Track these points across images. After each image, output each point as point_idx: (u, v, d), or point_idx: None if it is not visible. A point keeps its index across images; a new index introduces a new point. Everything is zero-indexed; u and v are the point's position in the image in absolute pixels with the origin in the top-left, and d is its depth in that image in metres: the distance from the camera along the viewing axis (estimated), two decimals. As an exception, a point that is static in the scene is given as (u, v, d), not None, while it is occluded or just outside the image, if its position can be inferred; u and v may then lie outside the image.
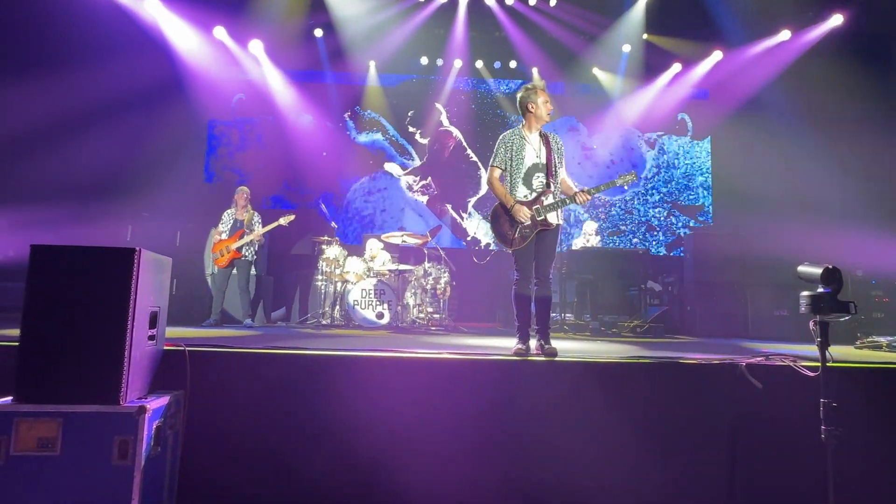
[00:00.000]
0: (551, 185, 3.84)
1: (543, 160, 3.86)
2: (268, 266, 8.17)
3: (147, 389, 2.84)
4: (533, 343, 3.85)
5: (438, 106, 10.49)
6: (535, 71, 10.38)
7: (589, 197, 3.83)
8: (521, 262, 3.88)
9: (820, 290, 2.79)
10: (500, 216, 3.89)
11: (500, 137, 3.95)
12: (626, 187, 3.89)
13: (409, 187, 10.30)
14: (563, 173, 3.95)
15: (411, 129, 10.44)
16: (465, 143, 10.46)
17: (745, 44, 9.28)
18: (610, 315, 7.16)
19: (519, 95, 3.95)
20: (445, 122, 10.53)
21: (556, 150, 3.90)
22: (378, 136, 10.41)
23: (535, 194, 3.84)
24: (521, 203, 3.81)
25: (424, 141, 10.46)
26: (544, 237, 3.87)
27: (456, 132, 10.47)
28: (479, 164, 10.43)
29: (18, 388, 2.50)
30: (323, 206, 8.35)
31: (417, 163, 10.40)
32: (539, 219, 3.79)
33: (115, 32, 8.14)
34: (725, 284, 7.21)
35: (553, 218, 3.83)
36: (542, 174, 3.84)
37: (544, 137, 3.91)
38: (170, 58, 8.93)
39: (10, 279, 6.02)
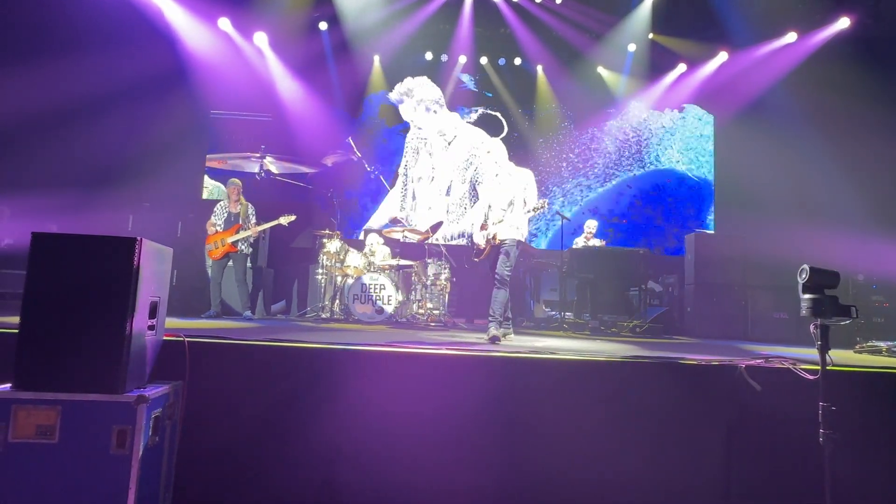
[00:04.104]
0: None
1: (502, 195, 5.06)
2: (268, 258, 8.18)
3: (146, 379, 2.84)
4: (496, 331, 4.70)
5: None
6: (539, 69, 10.36)
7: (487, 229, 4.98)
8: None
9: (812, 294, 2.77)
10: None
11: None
12: (534, 213, 4.91)
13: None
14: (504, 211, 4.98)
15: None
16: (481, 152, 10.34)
17: (750, 45, 9.24)
18: (609, 314, 7.16)
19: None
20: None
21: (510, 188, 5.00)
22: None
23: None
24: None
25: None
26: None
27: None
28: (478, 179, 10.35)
29: (18, 375, 2.50)
30: (350, 140, 8.94)
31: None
32: (487, 237, 5.00)
33: (120, 21, 8.12)
34: (726, 286, 7.20)
35: (501, 235, 4.90)
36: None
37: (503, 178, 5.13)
38: (174, 48, 8.91)
39: (11, 266, 6.02)
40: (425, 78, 10.38)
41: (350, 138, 9.13)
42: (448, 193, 10.19)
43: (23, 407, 2.46)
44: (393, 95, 10.31)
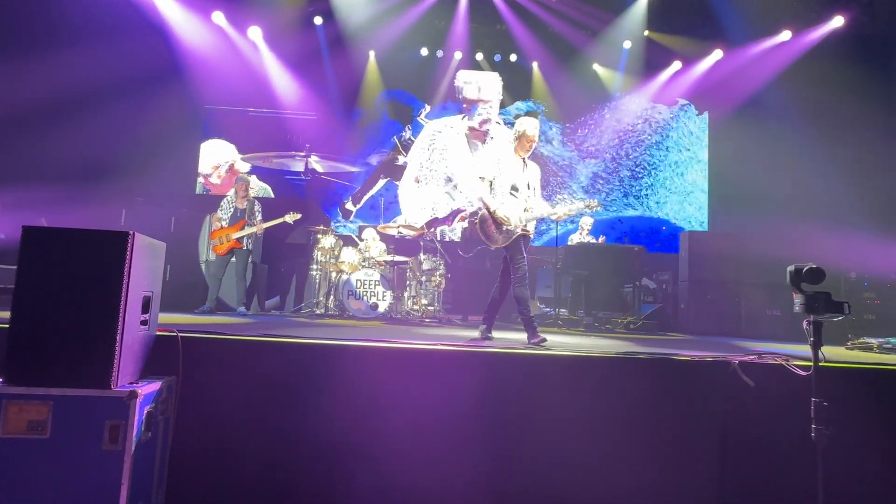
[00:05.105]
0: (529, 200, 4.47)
1: (526, 179, 4.50)
2: (262, 254, 8.17)
3: (139, 374, 2.82)
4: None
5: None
6: (535, 65, 10.34)
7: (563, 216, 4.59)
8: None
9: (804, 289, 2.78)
10: (487, 220, 4.48)
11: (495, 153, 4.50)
12: (587, 212, 4.67)
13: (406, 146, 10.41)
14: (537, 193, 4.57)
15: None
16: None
17: (745, 43, 9.27)
18: (604, 311, 7.18)
19: (515, 129, 4.54)
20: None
21: (535, 175, 4.56)
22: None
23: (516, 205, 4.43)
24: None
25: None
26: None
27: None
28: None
29: (8, 370, 2.48)
30: (395, 139, 9.54)
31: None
32: (521, 224, 4.37)
33: (113, 15, 8.05)
34: (719, 283, 7.23)
35: (531, 227, 4.48)
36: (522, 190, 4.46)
37: (526, 162, 4.54)
38: (167, 42, 8.85)
39: (1, 261, 5.97)
40: (494, 73, 10.47)
41: (395, 137, 9.33)
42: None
43: (14, 402, 2.44)
44: (459, 80, 10.37)
